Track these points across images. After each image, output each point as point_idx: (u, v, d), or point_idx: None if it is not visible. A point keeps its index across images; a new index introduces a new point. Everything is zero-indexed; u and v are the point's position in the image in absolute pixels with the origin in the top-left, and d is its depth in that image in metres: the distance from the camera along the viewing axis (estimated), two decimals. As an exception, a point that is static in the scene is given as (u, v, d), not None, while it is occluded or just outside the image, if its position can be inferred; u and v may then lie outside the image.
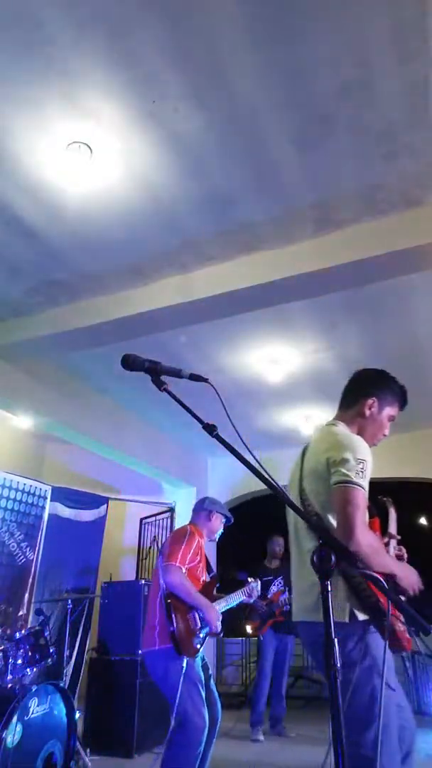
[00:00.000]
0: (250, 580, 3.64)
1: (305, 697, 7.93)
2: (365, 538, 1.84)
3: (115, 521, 7.58)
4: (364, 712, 1.75)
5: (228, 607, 3.38)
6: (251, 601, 3.60)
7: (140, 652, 3.08)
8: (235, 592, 3.50)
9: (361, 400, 2.24)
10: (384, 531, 2.24)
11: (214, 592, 3.34)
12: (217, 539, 3.64)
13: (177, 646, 2.91)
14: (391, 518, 2.37)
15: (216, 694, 3.18)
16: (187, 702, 2.86)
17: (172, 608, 2.99)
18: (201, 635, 3.08)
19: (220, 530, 3.54)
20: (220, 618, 3.18)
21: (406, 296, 4.48)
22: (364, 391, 2.26)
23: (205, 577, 3.31)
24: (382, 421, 2.24)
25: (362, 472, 1.93)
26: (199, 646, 3.05)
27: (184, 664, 2.91)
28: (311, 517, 1.98)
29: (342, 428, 2.17)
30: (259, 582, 3.68)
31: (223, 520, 3.53)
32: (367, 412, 2.21)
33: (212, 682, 3.20)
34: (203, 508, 3.50)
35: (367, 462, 1.96)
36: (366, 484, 1.94)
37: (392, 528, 2.33)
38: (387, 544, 2.19)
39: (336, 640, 1.81)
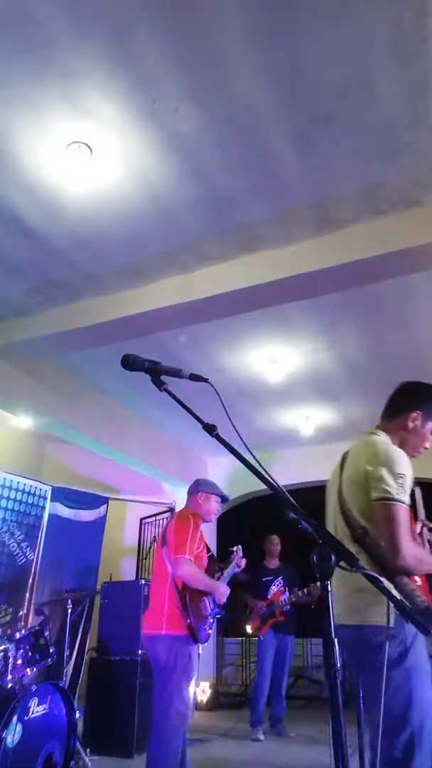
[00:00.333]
0: (233, 549, 3.67)
1: (305, 697, 7.94)
2: (410, 552, 1.87)
3: (115, 521, 7.58)
4: (399, 714, 1.75)
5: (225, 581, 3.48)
6: (241, 570, 3.64)
7: (143, 633, 3.06)
8: (228, 566, 3.56)
9: (405, 412, 2.23)
10: (415, 517, 2.23)
11: (216, 569, 3.45)
12: (214, 520, 3.61)
13: (194, 636, 2.97)
14: (418, 500, 2.36)
15: None
16: (184, 689, 2.90)
17: (188, 599, 3.01)
18: (210, 620, 3.16)
19: (217, 511, 3.51)
20: (227, 591, 3.31)
21: (406, 296, 4.48)
22: (409, 403, 2.25)
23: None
24: (425, 434, 2.23)
25: (402, 486, 1.93)
26: (210, 630, 3.13)
27: (200, 651, 3.02)
28: (356, 530, 1.98)
29: (383, 438, 2.16)
30: (240, 547, 3.70)
31: (218, 500, 3.48)
32: (411, 425, 2.20)
33: None
34: (197, 491, 3.45)
35: (406, 476, 1.96)
36: (407, 499, 1.94)
37: (420, 511, 2.33)
38: (421, 534, 2.18)
39: (379, 642, 1.81)
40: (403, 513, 1.90)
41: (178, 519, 3.27)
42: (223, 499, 3.52)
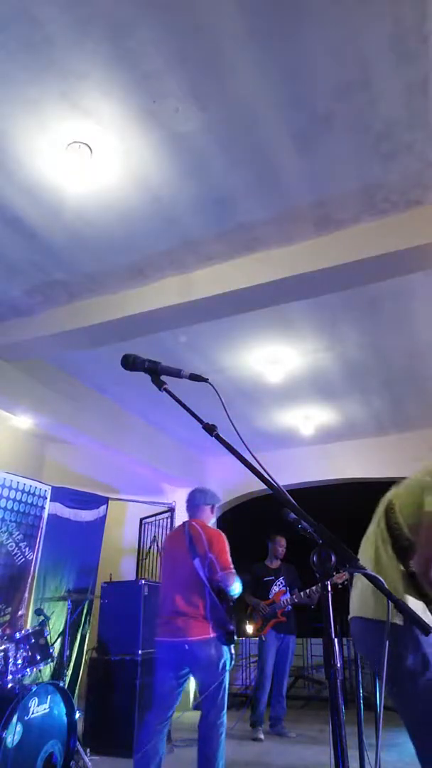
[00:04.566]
0: None
1: (305, 697, 7.94)
2: None
3: (115, 521, 7.58)
4: None
5: None
6: None
7: (189, 638, 3.24)
8: None
9: None
10: None
11: None
12: None
13: (231, 639, 3.29)
14: None
15: None
16: (226, 686, 3.22)
17: (230, 607, 3.37)
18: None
19: None
20: None
21: (405, 296, 4.48)
22: None
23: None
24: None
25: None
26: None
27: (233, 651, 3.34)
28: (404, 541, 1.98)
29: None
30: None
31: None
32: None
33: None
34: (206, 503, 3.67)
35: None
36: None
37: None
38: None
39: (387, 643, 1.79)
40: None
41: (216, 535, 3.48)
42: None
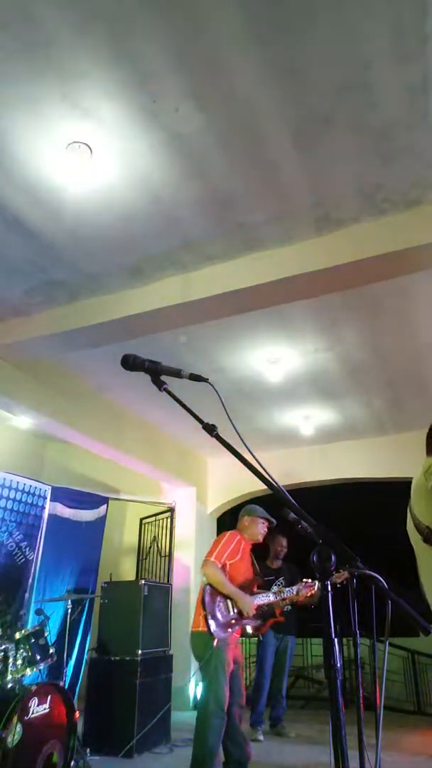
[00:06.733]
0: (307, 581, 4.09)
1: (305, 697, 7.94)
2: None
3: (115, 521, 7.59)
4: None
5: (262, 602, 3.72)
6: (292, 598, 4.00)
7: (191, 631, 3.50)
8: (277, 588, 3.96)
9: None
10: None
11: (255, 588, 3.78)
12: (261, 540, 3.94)
13: (209, 630, 3.32)
14: None
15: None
16: (216, 684, 3.27)
17: (206, 596, 3.43)
18: (233, 621, 3.48)
19: (263, 532, 3.88)
20: (254, 606, 3.58)
21: (406, 296, 4.48)
22: None
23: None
24: None
25: None
26: (230, 630, 3.45)
27: (215, 649, 3.34)
28: (423, 532, 2.02)
29: None
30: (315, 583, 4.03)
31: (264, 522, 3.87)
32: None
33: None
34: (242, 515, 3.91)
35: None
36: None
37: None
38: None
39: None
40: None
41: (220, 534, 3.73)
42: (269, 521, 3.89)
